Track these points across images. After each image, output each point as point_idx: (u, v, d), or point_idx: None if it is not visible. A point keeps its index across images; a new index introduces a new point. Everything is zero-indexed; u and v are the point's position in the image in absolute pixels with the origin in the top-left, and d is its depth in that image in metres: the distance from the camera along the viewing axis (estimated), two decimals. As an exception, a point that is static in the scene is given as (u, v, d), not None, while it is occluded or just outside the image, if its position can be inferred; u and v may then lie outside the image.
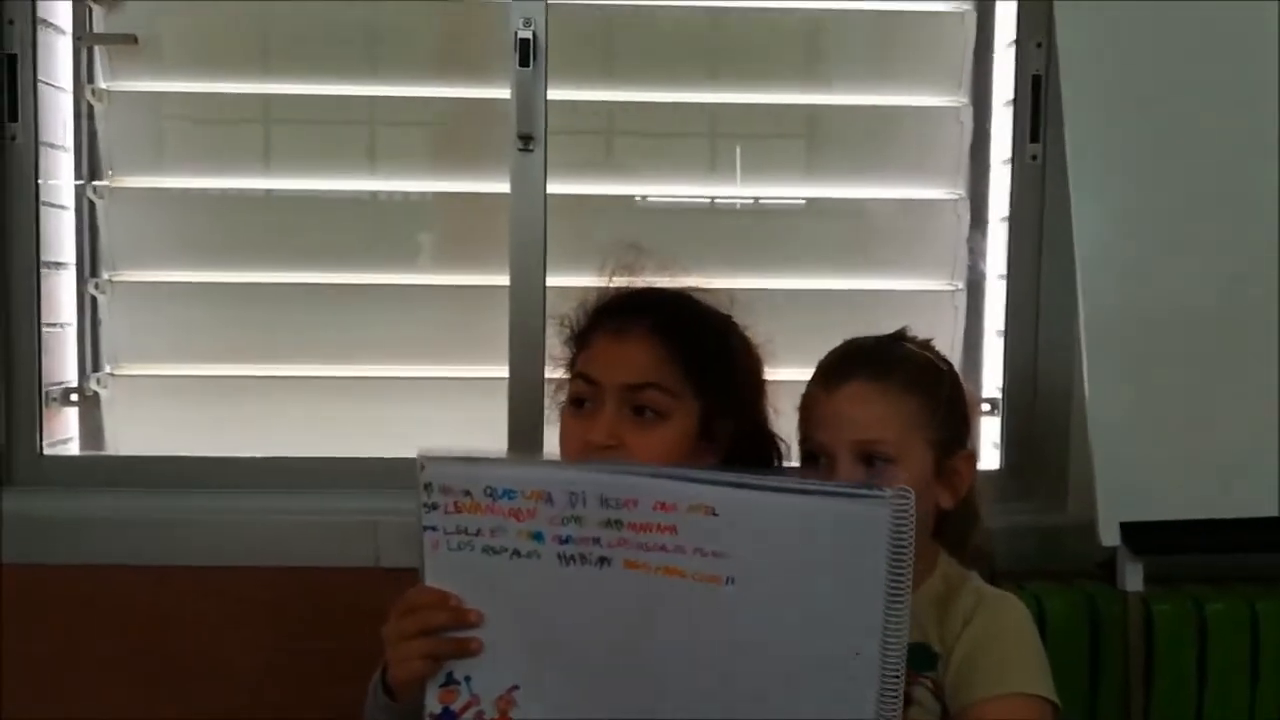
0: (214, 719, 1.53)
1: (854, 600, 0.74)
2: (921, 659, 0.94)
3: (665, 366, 0.97)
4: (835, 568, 0.75)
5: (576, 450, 0.98)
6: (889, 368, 0.99)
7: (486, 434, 1.58)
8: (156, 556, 1.52)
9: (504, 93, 1.57)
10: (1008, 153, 1.67)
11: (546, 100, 1.57)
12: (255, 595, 1.52)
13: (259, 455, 1.63)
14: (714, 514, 0.77)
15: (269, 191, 1.69)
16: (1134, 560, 1.36)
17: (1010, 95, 1.66)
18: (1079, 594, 1.47)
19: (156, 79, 1.64)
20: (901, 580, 0.73)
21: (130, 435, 1.67)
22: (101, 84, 1.63)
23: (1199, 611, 1.46)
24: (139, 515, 1.54)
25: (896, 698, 0.74)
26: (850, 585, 0.74)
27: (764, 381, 1.08)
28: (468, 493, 0.83)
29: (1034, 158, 1.63)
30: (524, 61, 1.54)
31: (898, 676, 0.73)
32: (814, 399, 1.00)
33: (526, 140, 1.56)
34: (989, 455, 1.70)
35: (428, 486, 0.84)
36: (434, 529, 0.84)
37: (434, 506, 0.84)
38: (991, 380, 1.71)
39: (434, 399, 1.65)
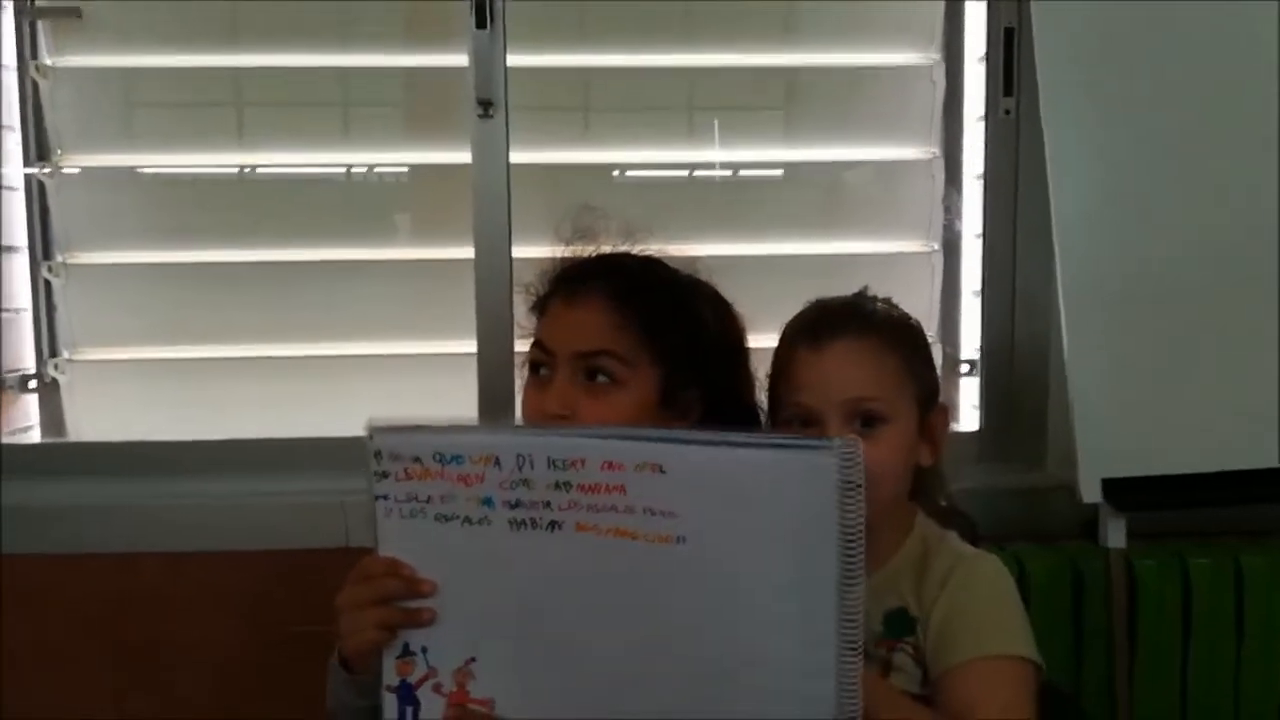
0: (187, 705, 1.50)
1: (807, 555, 0.71)
2: (900, 624, 0.92)
3: (619, 333, 0.94)
4: (785, 521, 0.72)
5: (532, 419, 0.96)
6: (873, 324, 0.95)
7: (457, 410, 1.55)
8: (121, 544, 1.49)
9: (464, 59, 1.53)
10: (982, 109, 1.64)
11: (506, 64, 1.53)
12: (224, 580, 1.50)
13: (224, 438, 1.59)
14: (662, 471, 0.75)
15: (224, 169, 1.64)
16: (1116, 517, 1.35)
17: (983, 51, 1.63)
18: (1061, 554, 1.46)
19: (101, 54, 1.59)
20: (853, 532, 0.70)
21: (92, 421, 1.63)
22: (46, 60, 1.58)
23: (1182, 567, 1.45)
24: (103, 502, 1.51)
25: (856, 653, 0.71)
26: (802, 539, 0.72)
27: (744, 350, 1.04)
28: (417, 459, 0.81)
29: (1007, 112, 1.60)
30: (481, 23, 1.49)
31: (856, 630, 0.71)
32: (796, 360, 0.95)
33: (486, 106, 1.52)
34: (968, 417, 1.68)
35: (378, 454, 0.82)
36: (385, 498, 0.83)
37: (385, 475, 0.82)
38: (969, 341, 1.69)
39: (403, 376, 1.62)
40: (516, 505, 0.79)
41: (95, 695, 1.50)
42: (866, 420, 0.91)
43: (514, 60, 1.55)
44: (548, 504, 0.78)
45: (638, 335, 0.95)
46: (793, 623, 0.72)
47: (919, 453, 0.96)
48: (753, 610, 0.74)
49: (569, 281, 0.99)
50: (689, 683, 0.77)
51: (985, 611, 0.90)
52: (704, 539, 0.74)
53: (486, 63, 1.51)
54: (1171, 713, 1.45)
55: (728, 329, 1.04)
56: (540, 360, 0.97)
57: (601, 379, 0.94)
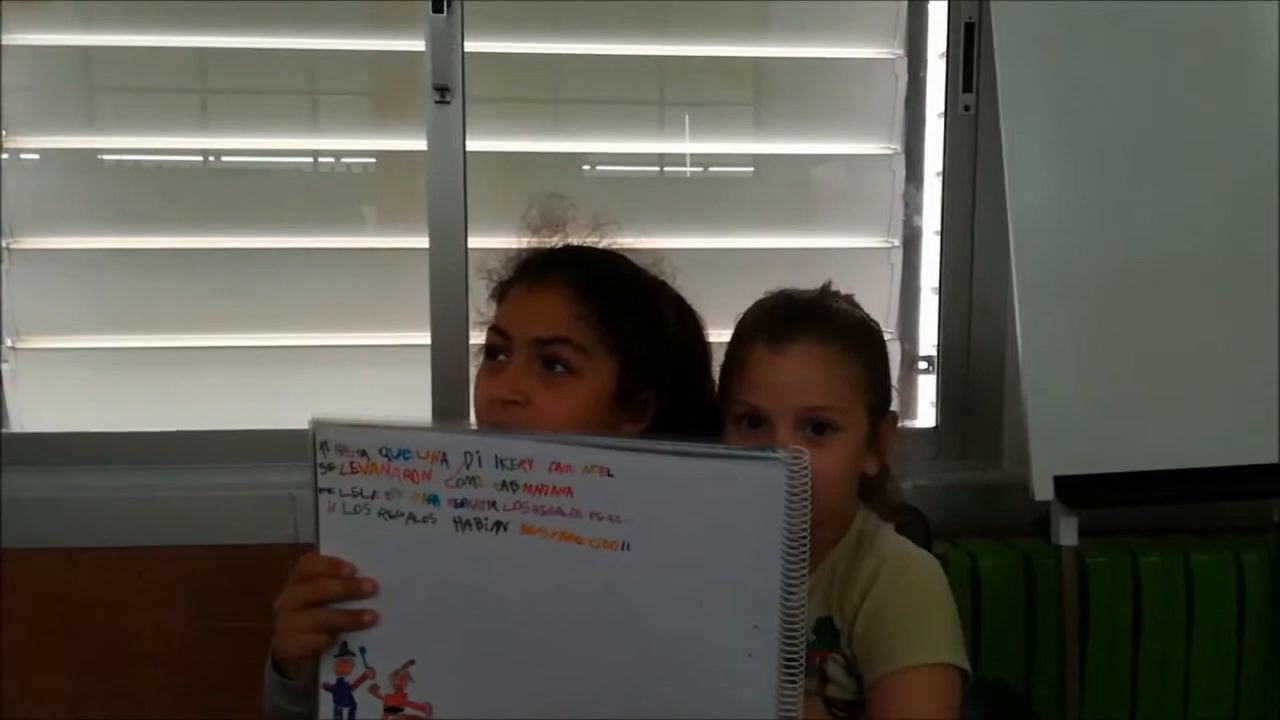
0: (137, 700, 1.48)
1: (751, 567, 0.71)
2: (828, 634, 0.90)
3: (579, 322, 0.93)
4: (730, 532, 0.72)
5: (484, 403, 0.94)
6: (835, 329, 0.92)
7: (410, 402, 1.53)
8: (65, 538, 1.46)
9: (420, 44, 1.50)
10: (942, 106, 1.63)
11: (464, 50, 1.50)
12: (170, 575, 1.47)
13: (171, 429, 1.56)
14: (609, 474, 0.74)
15: (172, 154, 1.60)
16: (1068, 514, 1.35)
17: (945, 46, 1.62)
18: (1013, 550, 1.47)
19: (56, 31, 1.55)
20: (798, 545, 0.70)
21: (36, 412, 1.59)
22: (-3, 38, 1.54)
23: (1133, 564, 1.46)
24: (46, 495, 1.48)
25: (797, 669, 0.70)
26: (746, 551, 0.71)
27: (705, 355, 1.02)
28: (363, 453, 0.80)
29: (967, 108, 1.60)
30: (438, 7, 1.47)
31: (797, 640, 0.70)
32: (754, 358, 0.91)
33: (443, 92, 1.49)
34: (925, 414, 1.68)
35: (323, 446, 0.81)
36: (329, 491, 0.81)
37: (330, 467, 0.81)
38: (927, 338, 1.69)
39: (357, 367, 1.59)
40: (462, 504, 0.78)
41: (44, 690, 1.47)
42: (817, 428, 0.89)
43: (480, 46, 1.53)
44: (493, 504, 0.77)
45: (597, 326, 0.93)
46: (734, 632, 0.72)
47: (866, 461, 0.94)
48: (694, 619, 0.73)
49: (532, 268, 0.98)
50: (629, 690, 0.76)
51: (905, 619, 0.88)
52: (649, 546, 0.74)
53: (443, 48, 1.48)
54: (1121, 709, 1.46)
55: (689, 332, 1.03)
56: (496, 345, 0.95)
57: (558, 368, 0.92)
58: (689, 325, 1.03)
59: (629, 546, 0.74)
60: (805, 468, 0.70)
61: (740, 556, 0.71)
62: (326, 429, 0.81)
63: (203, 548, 1.47)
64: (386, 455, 0.79)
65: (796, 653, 0.70)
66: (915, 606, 0.89)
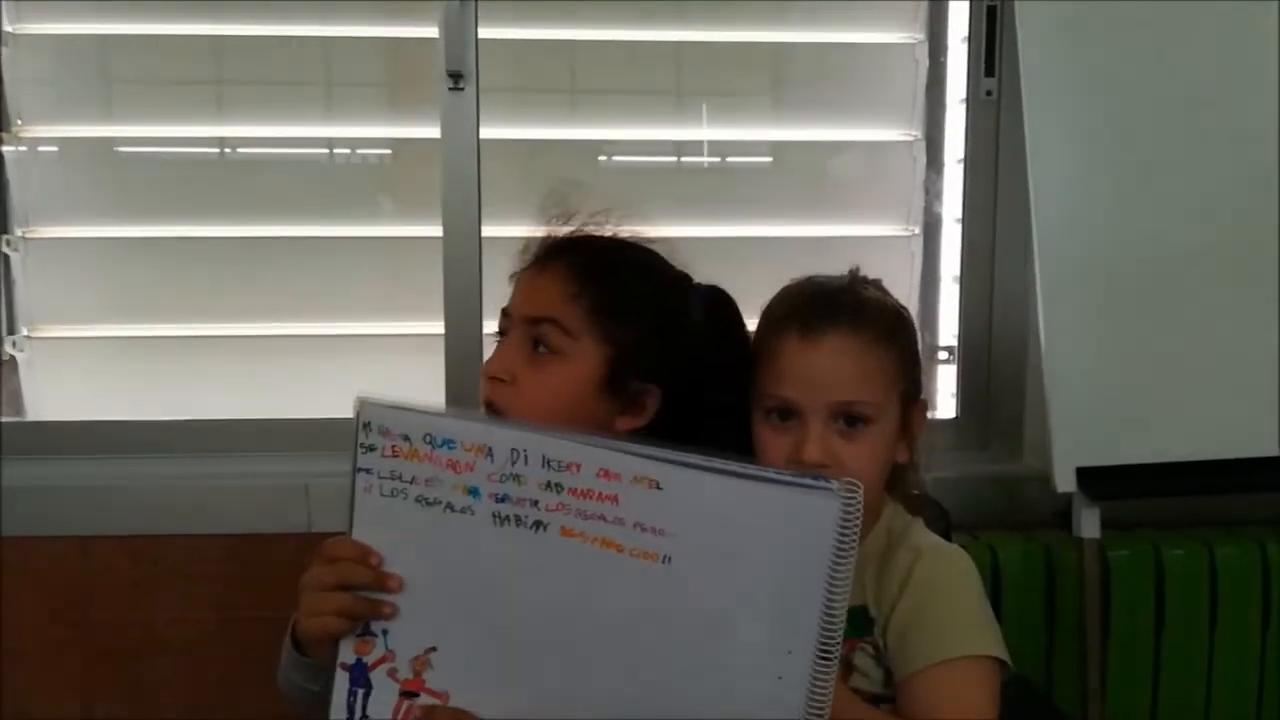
0: (150, 689, 1.48)
1: (792, 594, 0.71)
2: (860, 622, 0.89)
3: (568, 303, 0.92)
4: (775, 558, 0.71)
5: (483, 381, 0.94)
6: (868, 318, 0.89)
7: (424, 392, 1.52)
8: (80, 527, 1.46)
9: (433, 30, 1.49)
10: (964, 91, 1.61)
11: (477, 36, 1.49)
12: (184, 565, 1.47)
13: (186, 418, 1.56)
14: (658, 488, 0.73)
15: (187, 144, 1.59)
16: (1090, 506, 1.33)
17: (966, 31, 1.60)
18: (1035, 543, 1.45)
19: (66, 20, 1.54)
20: (841, 577, 0.70)
21: (51, 400, 1.59)
22: (7, 27, 1.53)
23: (1156, 557, 1.44)
24: (61, 484, 1.47)
25: (825, 700, 0.70)
26: (789, 578, 0.71)
27: (740, 353, 0.95)
28: (406, 438, 0.78)
29: (989, 93, 1.58)
30: (451, -7, 1.45)
31: (828, 678, 0.70)
32: (785, 350, 0.88)
33: (456, 79, 1.48)
34: (945, 405, 1.66)
35: (366, 426, 0.79)
36: (368, 471, 0.80)
37: (371, 448, 0.79)
38: (948, 328, 1.67)
39: (371, 357, 1.59)
40: (503, 500, 0.77)
41: (57, 679, 1.47)
42: (850, 420, 0.87)
43: (495, 33, 1.51)
44: (535, 503, 0.76)
45: (589, 311, 0.92)
46: (768, 655, 0.71)
47: (897, 450, 0.92)
48: (728, 638, 0.72)
49: (540, 252, 0.98)
50: (651, 702, 0.75)
51: (946, 611, 0.87)
52: (691, 562, 0.73)
53: (457, 34, 1.47)
54: (1144, 703, 1.44)
55: (722, 332, 0.98)
56: (501, 324, 0.96)
57: (542, 349, 0.91)
58: (724, 324, 0.98)
59: (670, 560, 0.73)
60: (859, 500, 0.69)
61: (783, 582, 0.71)
62: (371, 410, 0.79)
63: (216, 537, 1.46)
64: (430, 443, 0.78)
65: (828, 679, 0.70)
66: (954, 600, 0.87)
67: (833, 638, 0.70)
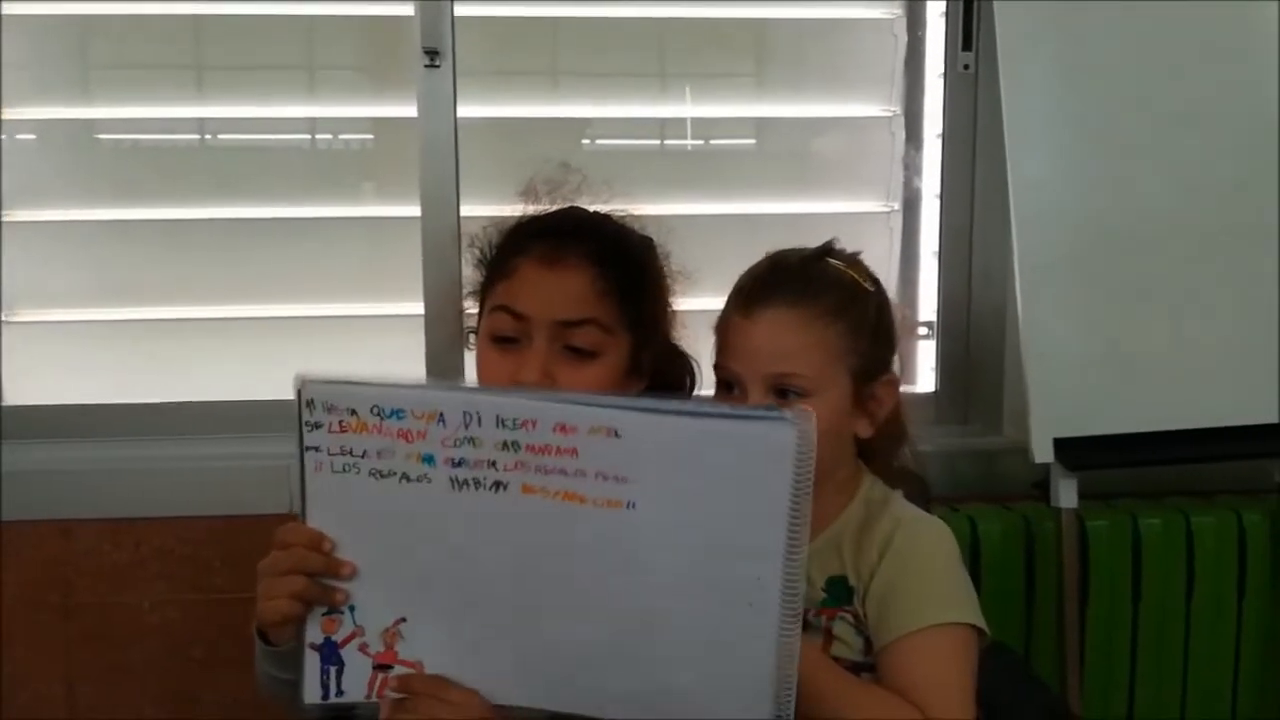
0: (131, 673, 1.48)
1: (756, 525, 0.72)
2: (840, 592, 0.90)
3: (603, 300, 0.90)
4: (738, 490, 0.72)
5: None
6: (812, 292, 0.91)
7: (406, 373, 1.52)
8: (61, 510, 1.46)
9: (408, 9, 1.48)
10: (942, 66, 1.61)
11: (454, 11, 1.48)
12: (167, 547, 1.47)
13: (167, 401, 1.55)
14: (616, 436, 0.73)
15: (164, 124, 1.58)
16: (1068, 476, 1.34)
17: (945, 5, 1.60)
18: (1014, 515, 1.46)
19: (43, 1, 1.52)
20: (801, 503, 0.71)
21: (30, 384, 1.58)
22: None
23: (1133, 527, 1.45)
24: (41, 468, 1.47)
25: (795, 623, 0.72)
26: (752, 509, 0.72)
27: (671, 298, 1.01)
28: (353, 411, 0.77)
29: (966, 67, 1.58)
30: (425, -33, 1.45)
31: (796, 597, 0.72)
32: (730, 324, 0.92)
33: (433, 56, 1.46)
34: (925, 379, 1.67)
35: (310, 404, 0.78)
36: (316, 449, 0.78)
37: (316, 426, 0.78)
38: (927, 302, 1.67)
39: (353, 337, 1.58)
40: (460, 464, 0.76)
41: (39, 662, 1.47)
42: (785, 393, 0.89)
43: (473, 10, 1.50)
44: (493, 464, 0.75)
45: (618, 303, 0.91)
46: (737, 584, 0.72)
47: (855, 424, 0.93)
48: (698, 572, 0.73)
49: (543, 239, 0.93)
50: (628, 643, 0.76)
51: (924, 580, 0.88)
52: (655, 505, 0.73)
53: (432, 9, 1.46)
54: (1121, 671, 1.46)
55: (666, 280, 1.00)
56: (509, 330, 0.90)
57: (582, 349, 0.89)
58: (664, 275, 1.00)
59: (635, 505, 0.73)
60: (812, 429, 0.71)
61: (747, 512, 0.72)
62: (313, 387, 0.78)
63: (199, 519, 1.46)
64: (379, 414, 0.76)
65: (795, 609, 0.72)
66: (933, 569, 0.89)
67: (797, 561, 0.71)
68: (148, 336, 1.58)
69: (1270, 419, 1.34)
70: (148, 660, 1.48)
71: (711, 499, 0.73)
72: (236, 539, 1.44)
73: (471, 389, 0.82)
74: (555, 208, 0.98)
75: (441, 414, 0.75)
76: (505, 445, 0.74)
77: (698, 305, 1.01)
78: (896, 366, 0.98)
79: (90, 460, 1.49)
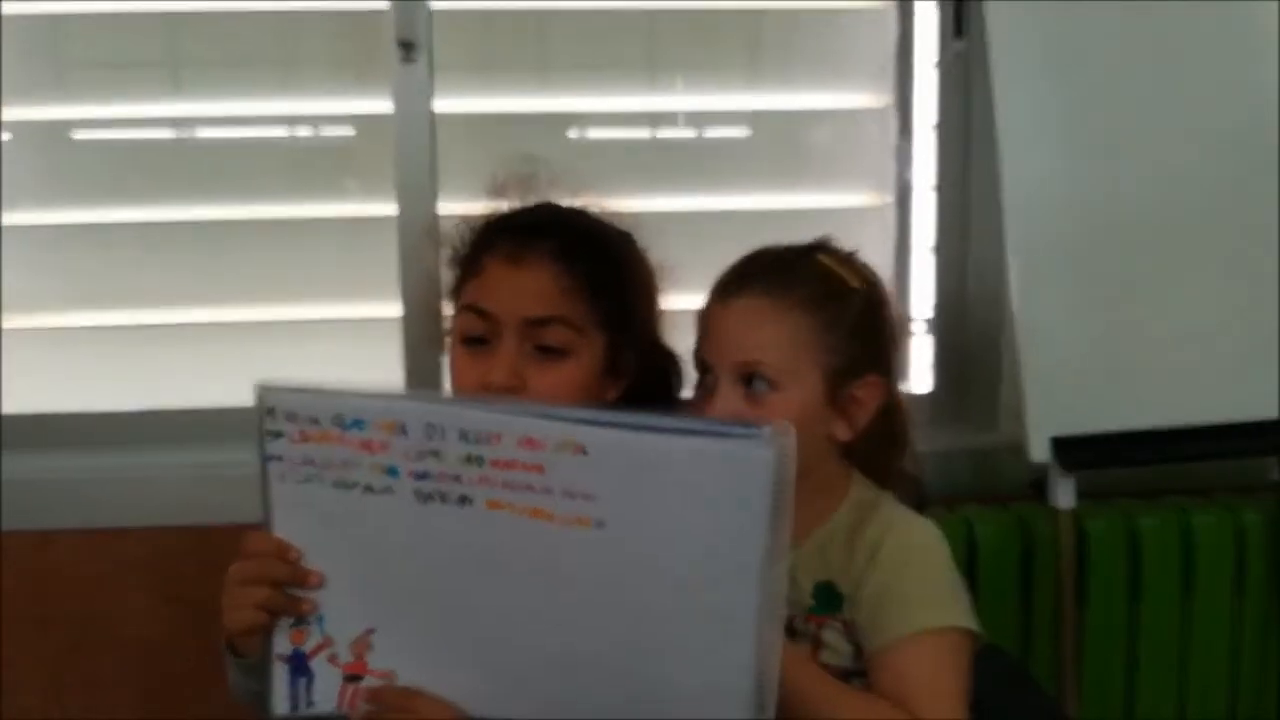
0: (108, 686, 1.45)
1: (732, 546, 0.68)
2: (829, 599, 0.88)
3: (570, 297, 0.88)
4: (711, 510, 0.68)
5: (473, 392, 0.88)
6: (787, 283, 0.89)
7: (384, 377, 1.49)
8: (39, 520, 1.43)
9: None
10: (935, 56, 1.58)
11: (430, 3, 1.44)
12: (145, 557, 1.44)
13: (145, 409, 1.52)
14: (584, 453, 0.70)
15: (140, 123, 1.54)
16: (1065, 476, 1.32)
17: (937, -8, 1.57)
18: (1011, 515, 1.44)
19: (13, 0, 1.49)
20: (780, 519, 0.67)
21: (6, 392, 1.54)
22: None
23: (1131, 527, 1.43)
24: (19, 477, 1.44)
25: (774, 648, 0.68)
26: (728, 530, 0.68)
27: (657, 298, 0.99)
28: (315, 420, 0.76)
29: (958, 55, 1.54)
30: (401, -42, 1.41)
31: (775, 617, 0.69)
32: (707, 311, 0.92)
33: (408, 49, 1.43)
34: (920, 376, 1.64)
35: (271, 412, 0.77)
36: (279, 459, 0.77)
37: (278, 434, 0.77)
38: (924, 299, 1.64)
39: (330, 341, 1.55)
40: (424, 477, 0.74)
41: (19, 673, 1.44)
42: (749, 380, 0.87)
43: (450, 4, 1.47)
44: (457, 478, 0.73)
45: (588, 300, 0.88)
46: (711, 610, 0.69)
47: (831, 425, 0.90)
48: (670, 596, 0.70)
49: (509, 236, 0.91)
50: (600, 657, 0.73)
51: (915, 584, 0.86)
52: (624, 523, 0.70)
53: (407, 1, 1.42)
54: (1119, 672, 1.44)
55: (651, 278, 0.98)
56: (477, 330, 0.89)
57: (553, 348, 0.87)
58: (648, 272, 0.98)
59: (603, 524, 0.70)
60: (791, 445, 0.67)
61: (721, 535, 0.68)
62: (274, 395, 0.77)
63: (178, 528, 1.43)
64: (340, 424, 0.75)
65: (773, 629, 0.69)
66: (923, 572, 0.87)
67: (774, 585, 0.68)
68: (125, 342, 1.54)
69: (1270, 415, 1.32)
70: (126, 671, 1.45)
71: (683, 517, 0.69)
72: (216, 548, 1.38)
73: (436, 400, 0.80)
74: (524, 201, 0.96)
75: (404, 425, 0.73)
76: (469, 459, 0.72)
77: (691, 304, 0.98)
78: (898, 371, 0.95)
79: (68, 469, 1.46)
